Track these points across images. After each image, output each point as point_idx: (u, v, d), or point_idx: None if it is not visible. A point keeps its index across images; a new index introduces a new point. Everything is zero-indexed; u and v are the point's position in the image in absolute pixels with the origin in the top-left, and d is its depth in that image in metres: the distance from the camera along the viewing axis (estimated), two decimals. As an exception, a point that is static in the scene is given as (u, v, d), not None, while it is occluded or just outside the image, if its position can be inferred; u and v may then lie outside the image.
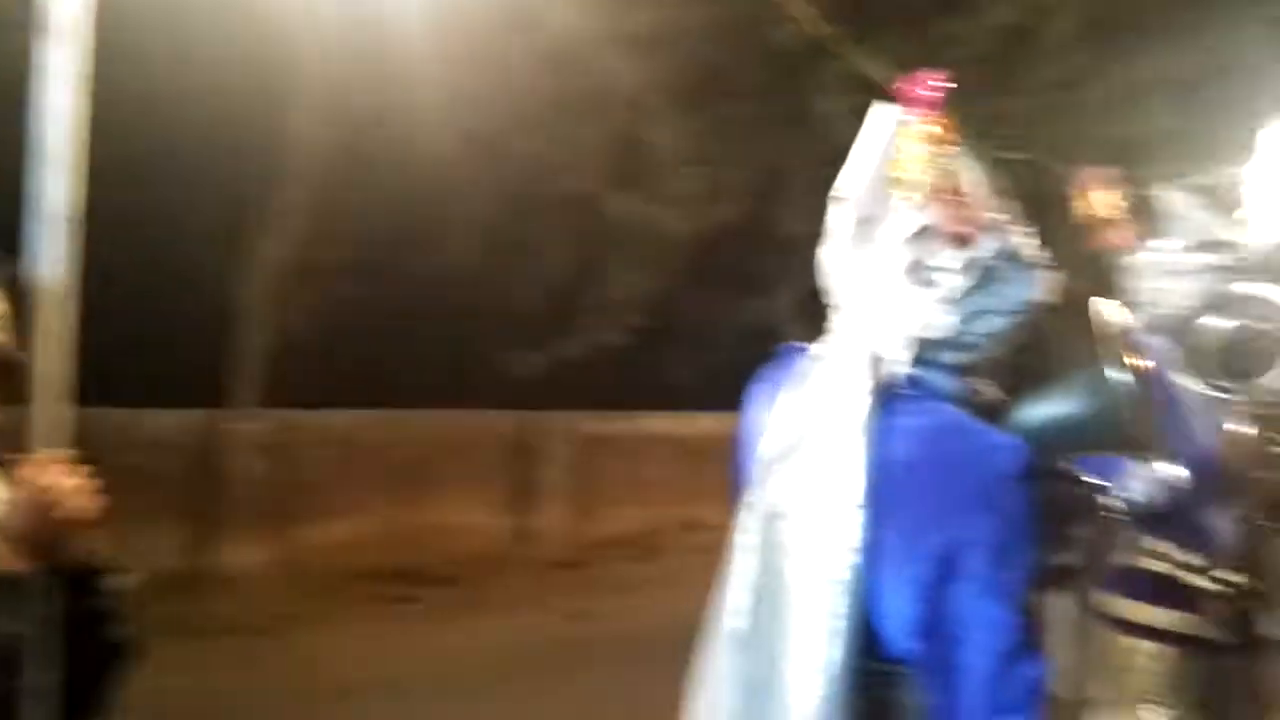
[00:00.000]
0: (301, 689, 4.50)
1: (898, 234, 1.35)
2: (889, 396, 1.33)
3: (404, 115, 6.86)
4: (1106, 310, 1.40)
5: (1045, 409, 1.38)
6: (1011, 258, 1.35)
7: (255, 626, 5.39)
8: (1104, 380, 1.30)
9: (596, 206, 8.09)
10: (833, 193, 1.43)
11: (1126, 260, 2.65)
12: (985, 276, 1.32)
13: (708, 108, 8.28)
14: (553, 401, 8.32)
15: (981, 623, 1.21)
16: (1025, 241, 1.36)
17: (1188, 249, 2.47)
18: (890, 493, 1.27)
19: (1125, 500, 2.46)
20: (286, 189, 7.11)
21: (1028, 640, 1.22)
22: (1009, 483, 1.23)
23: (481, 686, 4.64)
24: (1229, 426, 2.41)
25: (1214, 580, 2.41)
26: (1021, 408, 1.38)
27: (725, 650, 1.32)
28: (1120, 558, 2.50)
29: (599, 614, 6.07)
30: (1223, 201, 2.88)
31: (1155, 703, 2.40)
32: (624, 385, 8.77)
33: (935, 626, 1.25)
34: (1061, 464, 1.39)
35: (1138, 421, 1.28)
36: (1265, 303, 2.38)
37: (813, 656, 1.25)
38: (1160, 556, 2.43)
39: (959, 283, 1.31)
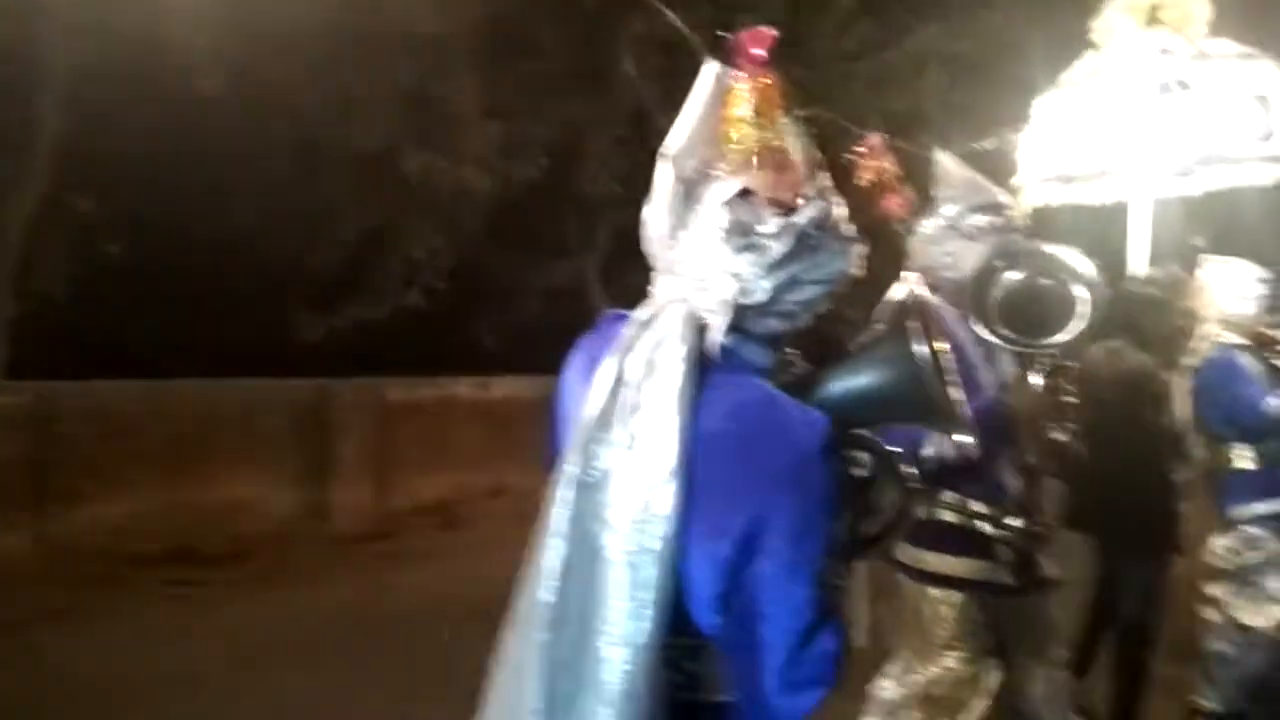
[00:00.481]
0: (78, 689, 4.10)
1: (719, 196, 1.31)
2: (704, 366, 1.29)
3: (177, 52, 6.17)
4: (901, 279, 1.42)
5: (846, 381, 1.38)
6: (828, 227, 1.33)
7: (14, 622, 4.86)
8: (903, 350, 1.30)
9: (393, 162, 7.74)
10: (661, 150, 1.37)
11: (909, 226, 2.77)
12: (803, 245, 1.31)
13: (508, 63, 8.08)
14: (350, 367, 7.97)
15: (781, 600, 1.22)
16: (841, 212, 1.35)
17: (972, 210, 2.59)
18: (698, 466, 1.25)
19: (923, 464, 2.59)
20: (35, 121, 6.16)
21: (826, 614, 1.22)
22: (813, 460, 1.22)
23: (279, 668, 4.40)
24: (1020, 379, 2.60)
25: (1003, 527, 2.59)
26: (824, 380, 1.38)
27: (532, 622, 1.27)
28: (919, 513, 2.57)
29: (402, 587, 5.90)
30: (997, 168, 3.06)
31: (954, 648, 2.55)
32: (426, 349, 8.53)
33: (736, 602, 1.24)
34: (862, 435, 1.40)
35: (934, 389, 1.30)
36: (1052, 259, 2.55)
37: (623, 630, 1.23)
38: (955, 509, 2.57)
39: (778, 249, 1.28)
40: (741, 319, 1.33)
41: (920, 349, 1.30)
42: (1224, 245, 4.01)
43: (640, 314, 1.37)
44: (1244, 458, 3.82)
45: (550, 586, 1.28)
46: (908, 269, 2.66)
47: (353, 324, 8.45)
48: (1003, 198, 2.67)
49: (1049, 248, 2.54)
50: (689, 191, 1.35)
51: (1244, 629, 3.75)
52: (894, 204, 2.67)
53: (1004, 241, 2.52)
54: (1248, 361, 3.79)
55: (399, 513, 7.45)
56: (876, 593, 2.46)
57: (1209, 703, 3.83)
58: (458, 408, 8.29)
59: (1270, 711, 3.93)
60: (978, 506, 2.57)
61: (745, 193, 1.31)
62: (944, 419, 1.35)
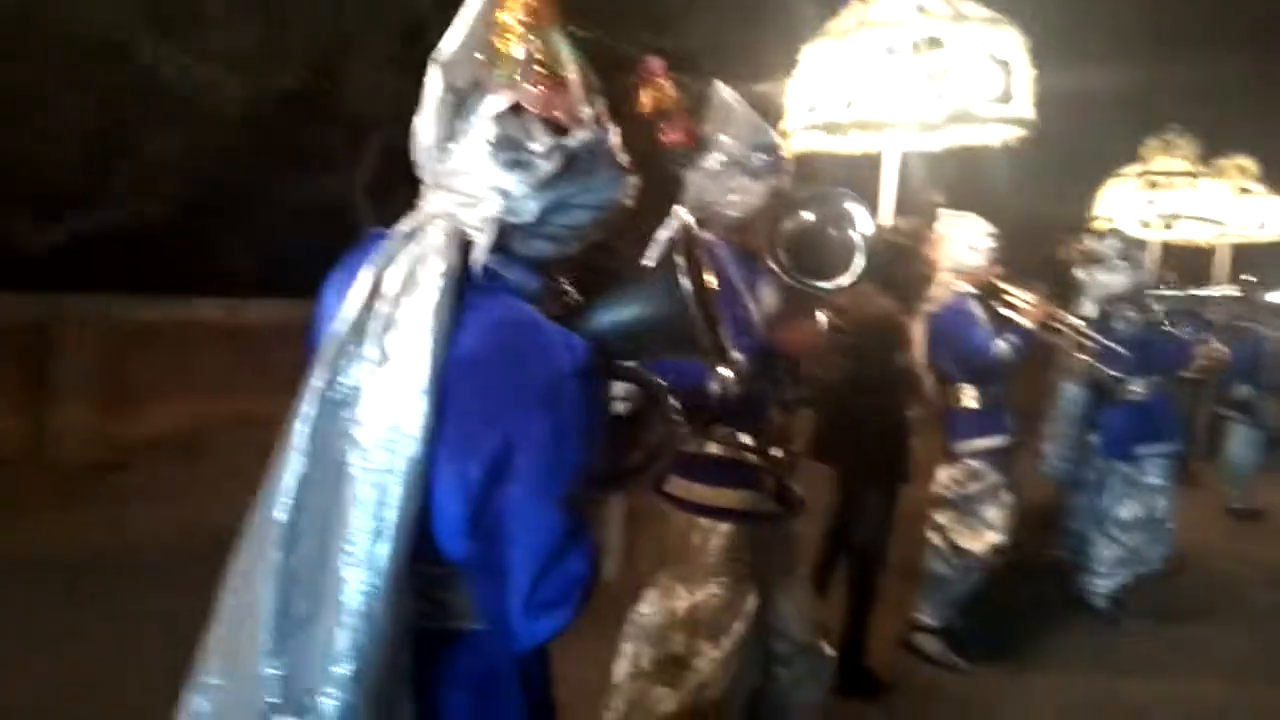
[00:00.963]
0: None
1: (490, 109, 1.23)
2: (464, 284, 1.23)
3: None
4: (675, 211, 1.40)
5: (613, 313, 1.35)
6: (601, 152, 1.29)
7: None
8: (669, 283, 1.29)
9: (128, 55, 6.92)
10: (432, 56, 1.28)
11: (688, 158, 2.77)
12: (574, 167, 1.26)
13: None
14: (77, 283, 7.16)
15: (529, 522, 1.20)
16: (615, 140, 1.31)
17: (753, 148, 2.59)
18: (451, 386, 1.20)
19: (706, 399, 2.63)
20: None
21: (576, 538, 1.20)
22: (570, 382, 1.19)
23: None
24: (788, 317, 2.68)
25: (768, 458, 2.69)
26: (591, 312, 1.34)
27: (265, 540, 1.19)
28: (686, 446, 2.62)
29: (134, 521, 5.45)
30: (765, 113, 3.11)
31: (719, 574, 2.64)
32: (169, 267, 7.79)
33: (484, 525, 1.21)
34: (629, 367, 1.39)
35: (698, 323, 1.29)
36: (841, 205, 2.63)
37: (364, 550, 1.18)
38: (726, 442, 2.62)
39: (547, 169, 1.23)
40: (508, 239, 1.28)
41: (685, 283, 1.28)
42: (958, 201, 4.32)
43: (403, 226, 1.29)
44: (970, 397, 4.21)
45: (285, 504, 1.21)
46: (682, 202, 2.65)
47: (83, 235, 7.59)
48: (778, 139, 2.71)
49: (837, 194, 2.62)
50: (460, 102, 1.27)
51: (962, 552, 4.15)
52: (674, 133, 2.65)
53: (799, 186, 2.58)
54: (977, 308, 4.16)
55: (133, 442, 6.84)
56: (636, 522, 2.53)
57: (927, 618, 4.24)
58: (203, 330, 7.65)
59: (977, 624, 4.40)
60: (746, 439, 2.64)
61: (517, 108, 1.25)
62: (709, 353, 1.34)
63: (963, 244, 4.14)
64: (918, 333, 4.05)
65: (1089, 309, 4.76)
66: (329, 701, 1.18)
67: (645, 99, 2.64)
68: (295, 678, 1.20)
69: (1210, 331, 5.97)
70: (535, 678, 1.38)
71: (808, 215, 2.60)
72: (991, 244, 4.16)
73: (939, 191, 4.41)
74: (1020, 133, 3.94)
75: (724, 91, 2.67)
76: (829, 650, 2.94)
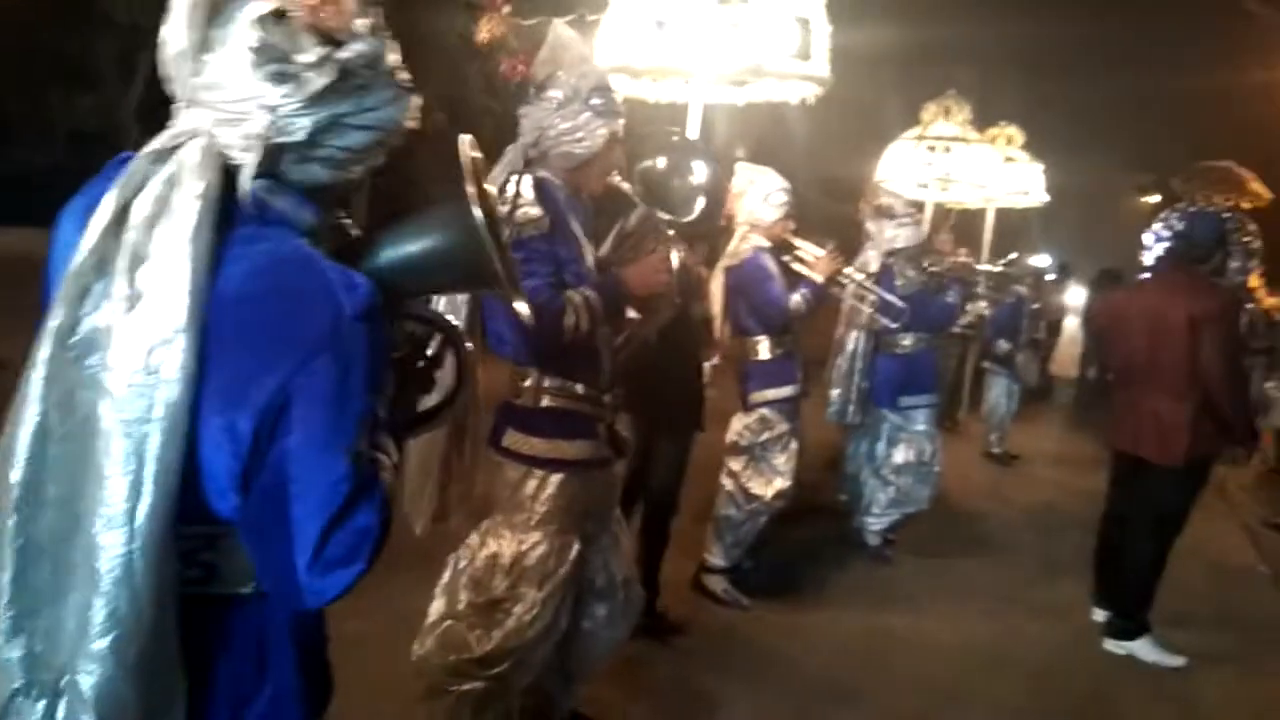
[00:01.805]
0: None
1: (250, 13, 1.10)
2: (227, 214, 1.11)
3: None
4: (461, 140, 1.32)
5: (400, 247, 1.26)
6: (379, 66, 1.18)
7: None
8: (460, 214, 1.21)
9: None
10: None
11: (526, 94, 2.69)
12: (349, 82, 1.15)
13: None
14: None
15: (312, 475, 1.11)
16: (395, 57, 1.21)
17: (593, 88, 2.56)
18: (215, 327, 1.09)
19: (512, 344, 2.58)
20: None
21: (365, 489, 1.13)
22: (351, 324, 1.10)
23: None
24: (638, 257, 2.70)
25: (601, 405, 2.67)
26: (376, 246, 1.25)
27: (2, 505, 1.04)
28: (521, 400, 2.62)
29: None
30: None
31: (550, 522, 2.61)
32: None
33: (260, 480, 1.11)
34: (421, 307, 1.31)
35: (494, 255, 1.23)
36: (691, 147, 2.65)
37: (119, 510, 1.06)
38: (561, 393, 2.61)
39: (318, 82, 1.11)
40: (277, 162, 1.15)
41: (478, 213, 1.21)
42: (755, 157, 4.41)
43: (153, 145, 1.14)
44: (764, 349, 4.36)
45: (20, 462, 1.07)
46: (520, 137, 2.60)
47: None
48: (606, 81, 2.68)
49: (690, 144, 2.70)
50: (216, 4, 1.13)
51: (752, 497, 4.32)
52: (511, 67, 2.57)
53: (655, 128, 2.60)
54: (771, 262, 4.29)
55: None
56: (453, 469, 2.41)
57: (716, 559, 4.40)
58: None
59: (763, 565, 4.61)
60: (581, 389, 2.64)
61: (281, 14, 1.12)
62: (502, 287, 1.28)
63: (759, 198, 4.25)
64: (714, 285, 4.15)
65: (873, 263, 5.02)
66: (86, 679, 1.06)
67: (484, 31, 2.56)
68: (42, 657, 1.08)
69: (974, 291, 6.45)
70: (311, 638, 1.30)
71: (660, 161, 2.67)
72: (785, 199, 4.28)
73: (743, 146, 4.49)
74: (818, 91, 4.05)
75: (563, 30, 2.62)
76: (639, 588, 3.00)
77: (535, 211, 2.47)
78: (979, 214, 9.14)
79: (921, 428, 5.19)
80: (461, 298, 2.41)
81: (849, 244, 5.21)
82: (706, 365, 4.06)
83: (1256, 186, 9.97)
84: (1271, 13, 10.09)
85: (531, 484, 2.62)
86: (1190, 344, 4.08)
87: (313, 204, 1.19)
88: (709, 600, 4.33)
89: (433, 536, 3.05)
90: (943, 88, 7.85)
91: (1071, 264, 12.90)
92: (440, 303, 2.32)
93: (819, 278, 4.29)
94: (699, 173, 2.85)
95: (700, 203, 2.78)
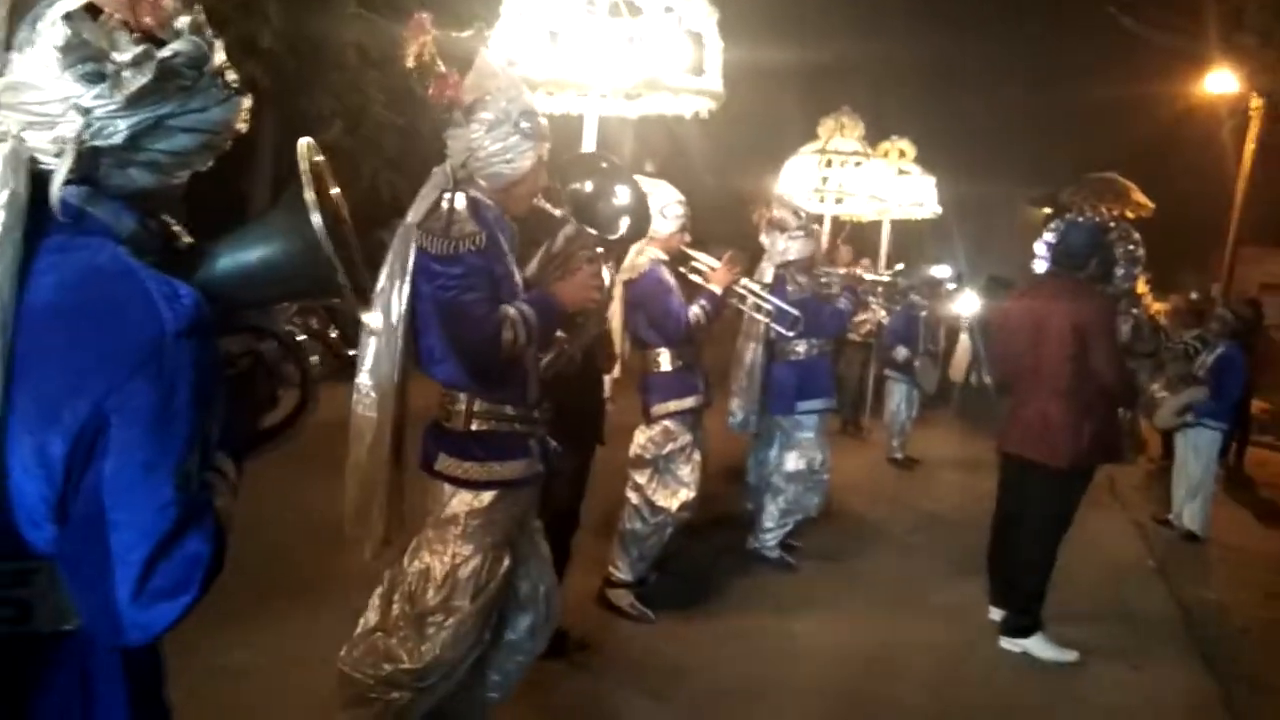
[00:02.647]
0: None
1: (57, 10, 1.03)
2: (39, 222, 1.03)
3: None
4: (300, 144, 1.25)
5: (234, 256, 1.19)
6: (207, 70, 1.12)
7: None
8: (297, 220, 1.15)
9: None
10: None
11: (454, 116, 2.66)
12: (170, 83, 1.08)
13: None
14: None
15: (135, 503, 1.03)
16: (221, 57, 1.14)
17: (521, 112, 2.56)
18: (24, 342, 1.02)
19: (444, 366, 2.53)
20: None
21: (195, 515, 1.06)
22: (176, 340, 1.04)
23: None
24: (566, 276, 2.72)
25: (532, 423, 2.66)
26: (209, 256, 1.18)
27: None
28: (451, 423, 2.60)
29: None
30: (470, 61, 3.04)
31: (481, 540, 2.59)
32: None
33: (77, 509, 1.04)
34: (262, 321, 1.24)
35: (335, 264, 1.16)
36: (619, 172, 2.76)
37: None
38: (491, 416, 2.60)
39: (136, 82, 1.04)
40: (94, 166, 1.07)
41: (317, 219, 1.15)
42: (666, 170, 4.43)
43: None
44: (665, 361, 4.35)
45: None
46: (447, 158, 2.60)
47: None
48: (533, 104, 2.69)
49: (617, 168, 2.73)
50: (23, 1, 1.06)
51: (657, 509, 4.30)
52: (439, 89, 2.56)
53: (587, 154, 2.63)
54: (668, 275, 4.29)
55: None
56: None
57: (621, 573, 4.37)
58: None
59: (667, 578, 4.60)
60: (510, 410, 2.63)
61: (93, 9, 1.05)
62: (348, 298, 1.21)
63: (656, 210, 4.23)
64: (613, 298, 4.12)
65: (767, 274, 5.07)
66: None
67: (410, 51, 2.56)
68: None
69: (867, 300, 6.57)
70: (145, 674, 1.22)
71: (588, 184, 2.71)
72: (681, 212, 4.29)
73: (651, 160, 4.51)
74: (712, 105, 4.08)
75: (489, 55, 2.65)
76: (559, 599, 3.00)
77: (472, 227, 2.46)
78: (876, 226, 9.35)
79: (811, 435, 5.23)
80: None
81: (758, 256, 5.27)
82: (607, 379, 4.03)
83: (1139, 197, 10.47)
84: (1147, 31, 10.61)
85: (464, 499, 2.60)
86: (1072, 349, 4.22)
87: (134, 211, 1.12)
88: (615, 615, 4.29)
89: (316, 565, 2.96)
90: (839, 103, 8.02)
91: (968, 274, 13.30)
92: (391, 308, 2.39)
93: (717, 289, 4.32)
94: (623, 195, 2.89)
95: (625, 222, 2.83)
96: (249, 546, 4.44)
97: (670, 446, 4.33)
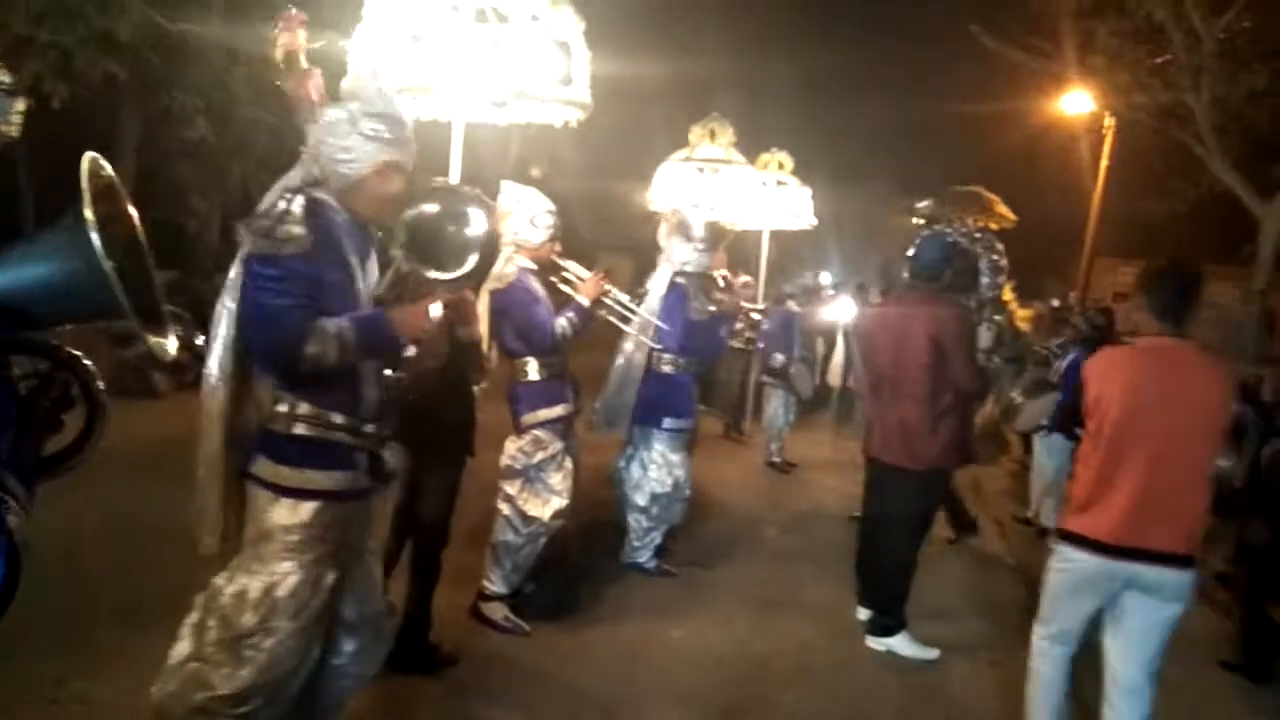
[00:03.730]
0: None
1: None
2: None
3: None
4: (88, 163, 1.18)
5: (12, 273, 1.12)
6: None
7: None
8: (77, 238, 1.09)
9: None
10: None
11: (311, 113, 2.57)
12: None
13: None
14: None
15: None
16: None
17: (367, 114, 2.51)
18: None
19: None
20: None
21: None
22: None
23: None
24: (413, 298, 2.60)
25: (361, 435, 2.57)
26: None
27: None
28: (275, 425, 2.51)
29: None
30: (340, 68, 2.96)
31: (304, 552, 2.50)
32: None
33: None
34: (38, 339, 1.17)
35: (114, 285, 1.11)
36: (463, 196, 2.57)
37: None
38: (313, 421, 2.51)
39: None
40: None
41: (95, 238, 1.09)
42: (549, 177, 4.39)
43: None
44: (533, 370, 4.33)
45: None
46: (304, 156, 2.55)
47: None
48: (394, 111, 2.60)
49: (465, 193, 2.60)
50: None
51: (530, 520, 4.26)
52: (296, 85, 2.47)
53: (429, 180, 2.52)
54: (537, 284, 4.27)
55: None
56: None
57: (495, 586, 4.31)
58: None
59: (542, 588, 4.57)
60: (338, 419, 2.54)
61: None
62: (136, 318, 1.15)
63: (525, 220, 4.22)
64: (481, 307, 4.06)
65: (663, 278, 5.05)
66: None
67: (279, 47, 2.47)
68: None
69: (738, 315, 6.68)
70: None
71: (431, 206, 2.60)
72: (552, 221, 4.28)
73: (535, 165, 4.47)
74: (580, 115, 4.07)
75: (360, 62, 2.58)
76: (390, 623, 2.95)
77: (297, 230, 2.38)
78: (755, 235, 9.53)
79: (676, 456, 5.26)
80: None
81: (644, 263, 5.27)
82: (475, 388, 3.97)
83: (1002, 209, 10.97)
84: (1008, 51, 11.13)
85: (281, 512, 2.51)
86: (930, 359, 4.38)
87: None
88: (488, 628, 4.23)
89: (166, 585, 2.84)
90: (709, 111, 8.12)
91: (845, 282, 13.72)
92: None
93: (585, 300, 4.31)
94: (476, 223, 2.79)
95: (473, 260, 2.74)
96: (94, 567, 4.25)
97: (540, 455, 4.30)
